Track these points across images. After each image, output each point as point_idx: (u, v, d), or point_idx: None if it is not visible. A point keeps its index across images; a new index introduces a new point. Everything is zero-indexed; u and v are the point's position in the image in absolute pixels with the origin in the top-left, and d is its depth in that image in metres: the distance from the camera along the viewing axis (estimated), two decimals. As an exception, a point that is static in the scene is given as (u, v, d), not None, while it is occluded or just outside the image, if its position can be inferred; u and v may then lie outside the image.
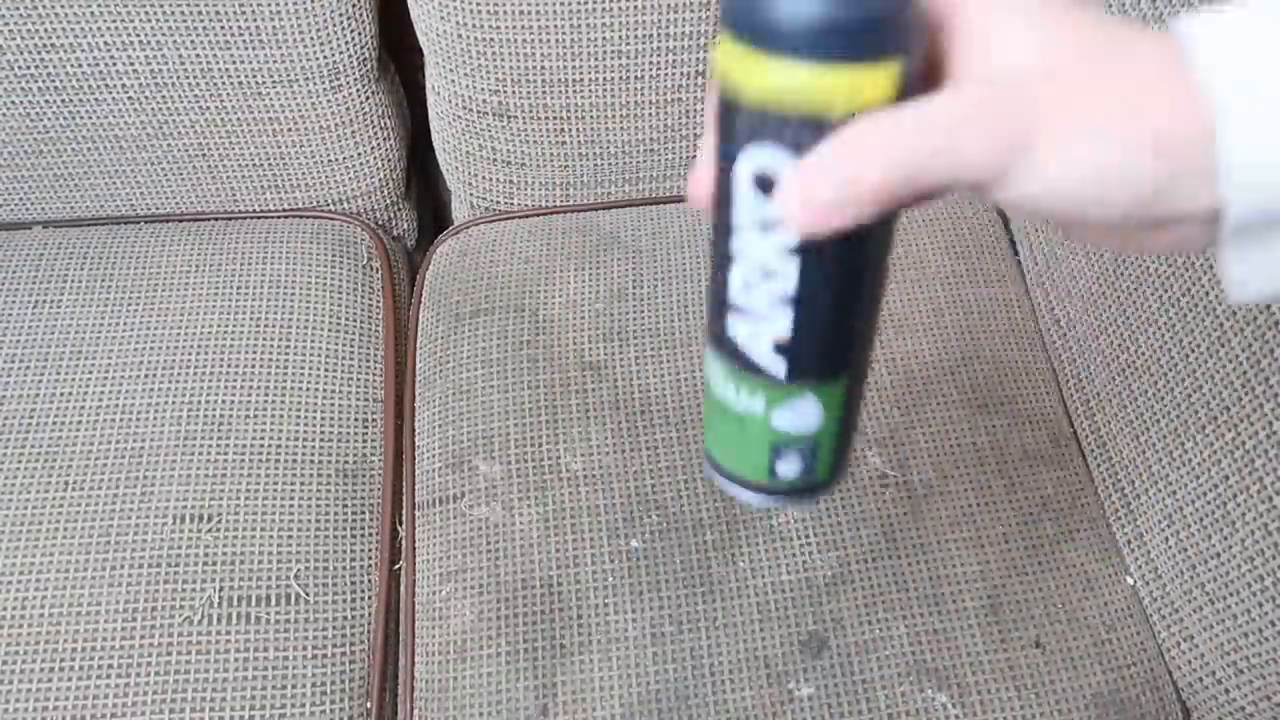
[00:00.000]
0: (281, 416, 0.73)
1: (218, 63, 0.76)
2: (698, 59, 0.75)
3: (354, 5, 0.75)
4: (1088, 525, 0.69)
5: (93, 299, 0.78)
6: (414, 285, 0.84)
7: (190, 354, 0.75)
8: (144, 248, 0.81)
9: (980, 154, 0.25)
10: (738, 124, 0.27)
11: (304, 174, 0.84)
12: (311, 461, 0.72)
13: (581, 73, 0.75)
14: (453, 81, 0.77)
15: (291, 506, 0.70)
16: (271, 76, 0.77)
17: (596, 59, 0.74)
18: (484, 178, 0.84)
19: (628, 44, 0.74)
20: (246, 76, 0.77)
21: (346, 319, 0.79)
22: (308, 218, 0.85)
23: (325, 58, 0.76)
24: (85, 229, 0.83)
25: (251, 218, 0.85)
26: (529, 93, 0.77)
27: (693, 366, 0.74)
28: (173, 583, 0.66)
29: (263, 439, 0.72)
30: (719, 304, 0.31)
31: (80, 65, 0.75)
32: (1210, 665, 0.62)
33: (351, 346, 0.78)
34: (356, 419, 0.75)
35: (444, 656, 0.65)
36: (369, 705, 0.66)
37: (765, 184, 0.27)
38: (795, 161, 0.26)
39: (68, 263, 0.80)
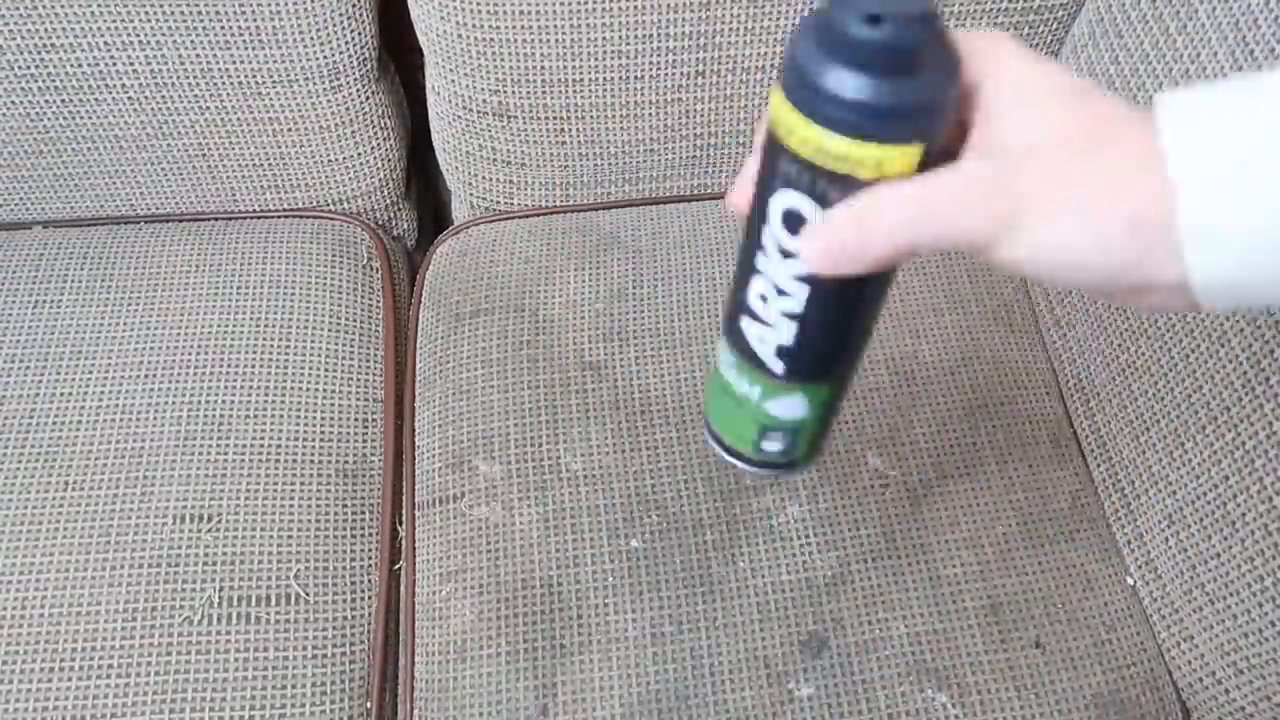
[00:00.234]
0: (281, 416, 0.73)
1: (218, 63, 0.76)
2: (698, 59, 0.75)
3: (354, 5, 0.75)
4: (1088, 525, 0.69)
5: (93, 299, 0.78)
6: (414, 285, 0.84)
7: (190, 354, 0.75)
8: (144, 248, 0.81)
9: (973, 226, 0.29)
10: (778, 164, 0.31)
11: (304, 174, 0.84)
12: (311, 461, 0.72)
13: (581, 73, 0.75)
14: (453, 81, 0.77)
15: (291, 506, 0.70)
16: (271, 76, 0.77)
17: (596, 59, 0.74)
18: (484, 178, 0.84)
19: (628, 44, 0.74)
20: (246, 76, 0.77)
21: (346, 319, 0.79)
22: (308, 218, 0.85)
23: (325, 58, 0.76)
24: (85, 229, 0.83)
25: (251, 218, 0.85)
26: (529, 93, 0.77)
27: (693, 366, 0.74)
28: (173, 583, 0.66)
29: (263, 439, 0.72)
30: (737, 304, 0.36)
31: (80, 65, 0.75)
32: (1210, 665, 0.62)
33: (351, 346, 0.78)
34: (356, 419, 0.75)
35: (444, 656, 0.65)
36: (369, 705, 0.66)
37: (792, 220, 0.32)
38: (819, 210, 0.31)
39: (68, 263, 0.80)
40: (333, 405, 0.75)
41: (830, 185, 0.30)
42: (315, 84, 0.78)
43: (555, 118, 0.78)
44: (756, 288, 0.34)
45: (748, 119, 0.80)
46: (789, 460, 0.40)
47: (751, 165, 0.33)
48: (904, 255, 0.30)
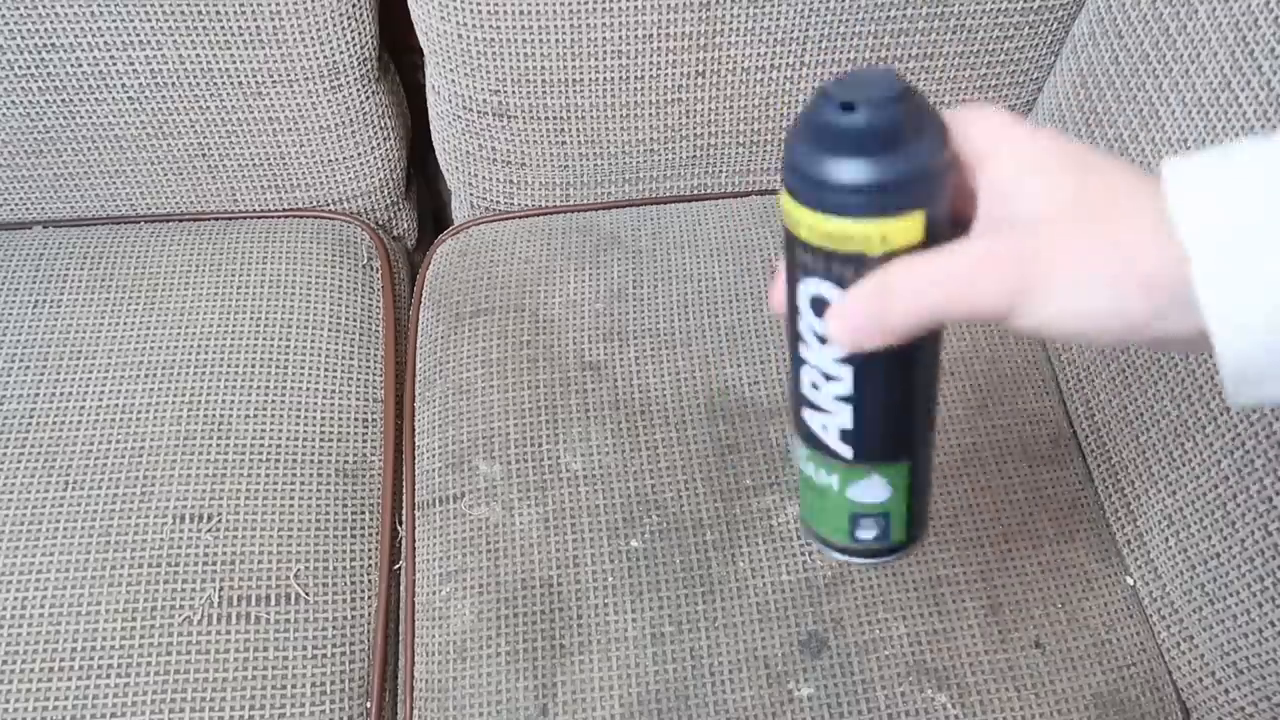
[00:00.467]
0: (281, 416, 0.73)
1: (218, 63, 0.76)
2: (698, 59, 0.75)
3: (354, 5, 0.75)
4: (1088, 525, 0.69)
5: (93, 299, 0.78)
6: (414, 285, 0.84)
7: (190, 354, 0.75)
8: (144, 248, 0.81)
9: (991, 298, 0.30)
10: (796, 256, 0.33)
11: (304, 174, 0.84)
12: (311, 461, 0.72)
13: (581, 73, 0.75)
14: (453, 81, 0.77)
15: (291, 506, 0.70)
16: (271, 76, 0.77)
17: (596, 59, 0.74)
18: (484, 178, 0.84)
19: (628, 44, 0.74)
20: (246, 76, 0.77)
21: (346, 319, 0.79)
22: (308, 218, 0.85)
23: (325, 58, 0.76)
24: (85, 229, 0.84)
25: (251, 218, 0.85)
26: (529, 93, 0.77)
27: (693, 366, 0.74)
28: (172, 583, 0.66)
29: (262, 439, 0.72)
30: (796, 397, 0.37)
31: (80, 65, 0.75)
32: (1210, 665, 0.62)
33: (351, 346, 0.78)
34: (356, 419, 0.75)
35: (444, 656, 0.65)
36: (369, 705, 0.66)
37: (819, 306, 0.33)
38: (840, 291, 0.32)
39: (68, 263, 0.80)
40: (332, 405, 0.75)
41: (844, 266, 0.32)
42: (315, 84, 0.78)
43: (555, 118, 0.78)
44: (807, 378, 0.36)
45: (748, 119, 0.80)
46: (888, 545, 0.40)
47: (782, 265, 0.35)
48: (925, 326, 0.32)
